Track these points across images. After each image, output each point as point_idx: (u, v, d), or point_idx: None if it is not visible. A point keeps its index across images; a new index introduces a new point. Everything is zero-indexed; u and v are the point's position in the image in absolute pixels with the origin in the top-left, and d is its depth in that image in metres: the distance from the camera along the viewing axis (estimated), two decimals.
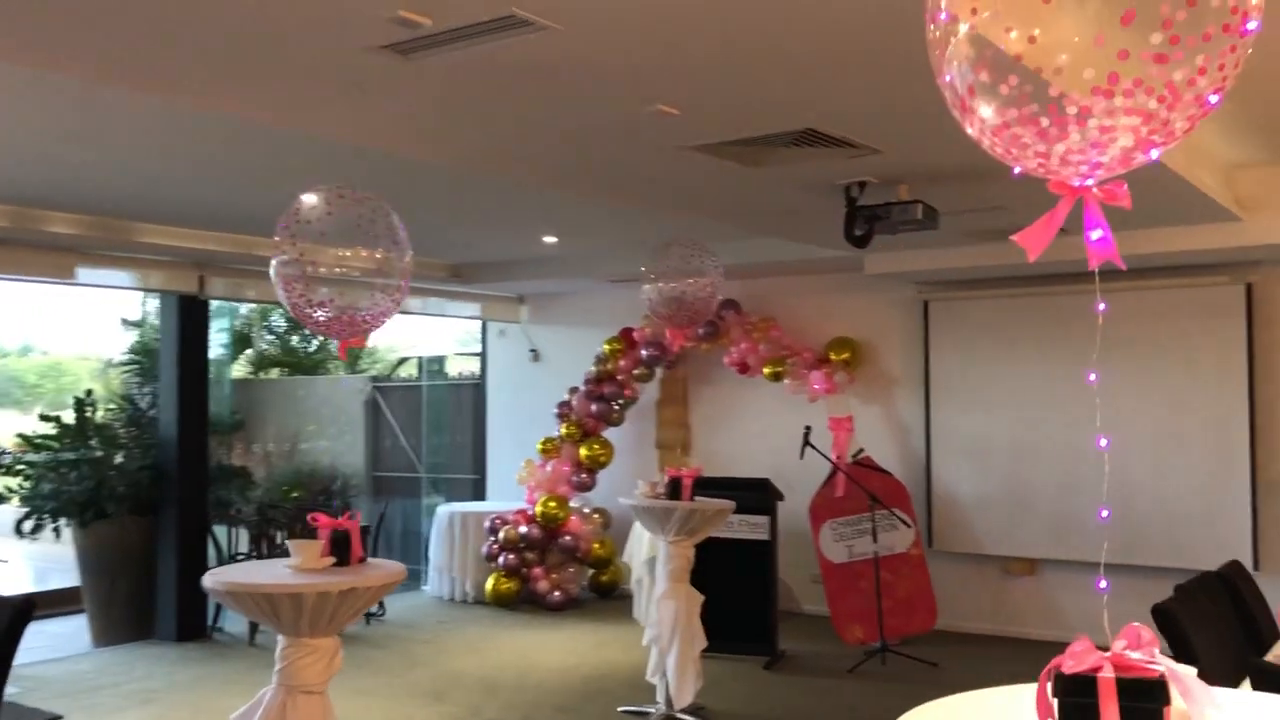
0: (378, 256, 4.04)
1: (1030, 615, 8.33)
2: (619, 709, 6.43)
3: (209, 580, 3.69)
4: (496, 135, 4.50)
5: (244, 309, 13.20)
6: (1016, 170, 1.74)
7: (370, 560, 4.02)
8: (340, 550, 3.88)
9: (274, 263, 4.02)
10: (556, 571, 9.53)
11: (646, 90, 3.83)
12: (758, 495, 7.48)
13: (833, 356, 8.89)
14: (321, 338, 14.89)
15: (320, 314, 3.98)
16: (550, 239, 8.31)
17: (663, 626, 6.17)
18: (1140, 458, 7.79)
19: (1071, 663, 1.60)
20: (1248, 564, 7.35)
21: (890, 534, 7.97)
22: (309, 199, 4.03)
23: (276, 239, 3.99)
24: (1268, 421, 7.46)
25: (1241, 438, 7.42)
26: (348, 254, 3.99)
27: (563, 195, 6.60)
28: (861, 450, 8.40)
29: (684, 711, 6.17)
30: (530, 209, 7.20)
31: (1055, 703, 1.63)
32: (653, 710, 6.26)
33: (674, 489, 6.26)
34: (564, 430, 9.79)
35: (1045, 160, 1.63)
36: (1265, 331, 7.46)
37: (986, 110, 1.64)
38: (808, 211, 6.00)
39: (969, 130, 1.76)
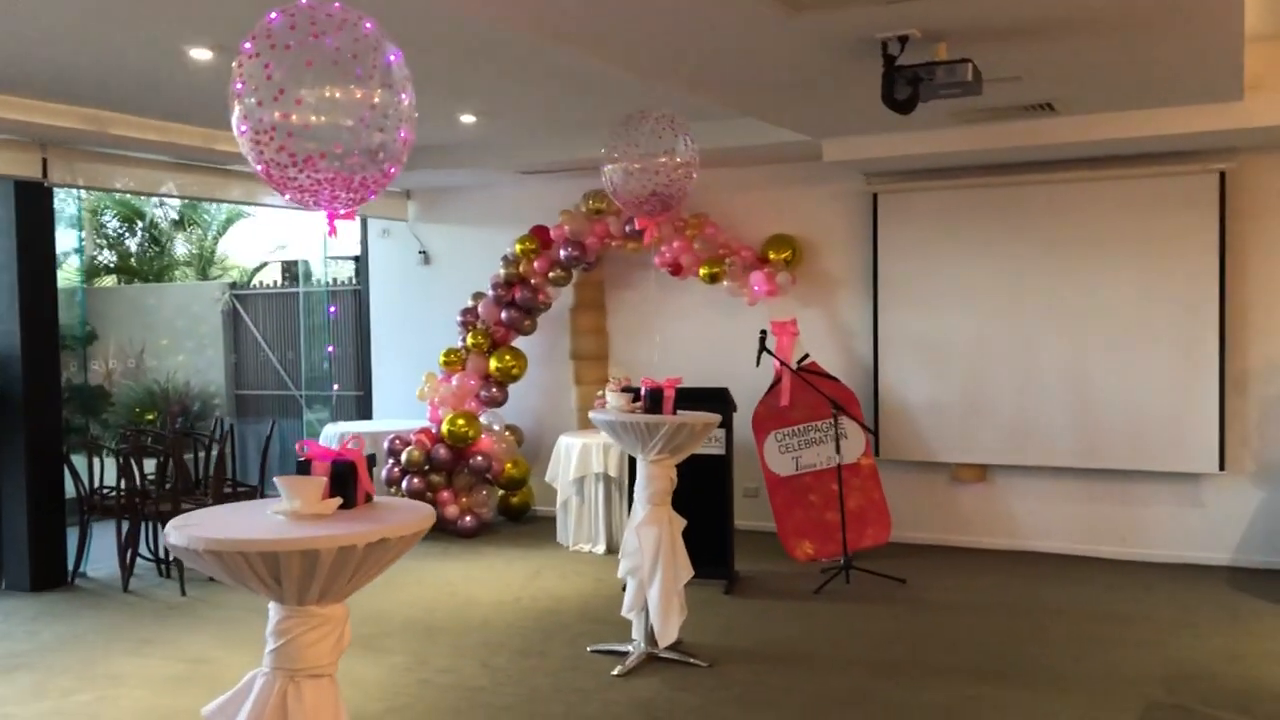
0: (375, 103, 3.05)
1: (981, 523, 7.97)
2: (589, 649, 5.68)
3: (176, 536, 2.70)
4: None
5: (72, 207, 11.51)
6: None
7: (377, 500, 3.10)
8: (343, 488, 2.95)
9: (237, 110, 2.98)
10: (467, 495, 8.65)
11: None
12: (717, 406, 6.74)
13: (772, 255, 8.19)
14: (165, 239, 13.32)
15: (304, 177, 2.98)
16: (468, 118, 7.23)
17: (644, 556, 5.43)
18: (1103, 357, 7.43)
19: None
20: (1213, 464, 7.15)
21: (840, 443, 7.40)
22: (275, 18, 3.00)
23: (238, 63, 2.95)
24: (1238, 316, 7.17)
25: (1210, 334, 7.11)
26: (338, 95, 2.98)
27: (496, 62, 5.59)
28: (806, 356, 7.79)
29: (667, 649, 5.48)
30: (450, 78, 6.09)
31: None
32: (629, 649, 5.54)
33: (654, 401, 5.48)
34: (470, 340, 8.81)
35: None
36: (1238, 222, 7.13)
37: None
38: (837, 75, 5.21)
39: None
